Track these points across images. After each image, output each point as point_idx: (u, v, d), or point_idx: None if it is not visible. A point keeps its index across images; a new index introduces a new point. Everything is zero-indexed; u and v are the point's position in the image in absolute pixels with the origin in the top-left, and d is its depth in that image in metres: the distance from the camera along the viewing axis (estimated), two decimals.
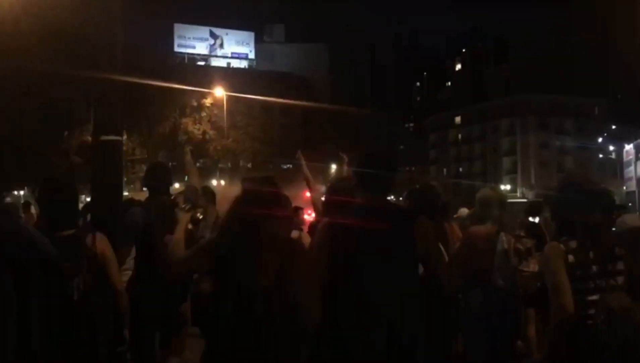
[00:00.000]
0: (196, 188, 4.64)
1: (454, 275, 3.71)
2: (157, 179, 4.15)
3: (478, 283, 4.09)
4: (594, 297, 2.79)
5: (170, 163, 25.25)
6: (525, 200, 40.04)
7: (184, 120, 37.52)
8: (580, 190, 3.08)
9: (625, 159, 41.63)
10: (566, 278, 2.78)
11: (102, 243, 3.18)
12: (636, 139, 38.33)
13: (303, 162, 4.09)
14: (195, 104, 37.80)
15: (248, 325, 2.62)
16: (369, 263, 2.84)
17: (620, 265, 2.91)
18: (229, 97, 34.53)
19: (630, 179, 38.98)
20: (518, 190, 55.43)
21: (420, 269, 3.11)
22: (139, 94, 24.22)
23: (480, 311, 4.06)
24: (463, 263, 4.06)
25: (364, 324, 2.80)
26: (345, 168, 4.81)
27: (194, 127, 37.34)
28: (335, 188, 3.83)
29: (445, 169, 70.08)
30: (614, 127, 47.21)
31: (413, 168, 59.33)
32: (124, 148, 4.98)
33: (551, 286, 2.84)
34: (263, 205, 2.78)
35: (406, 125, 78.00)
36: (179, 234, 2.98)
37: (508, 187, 52.50)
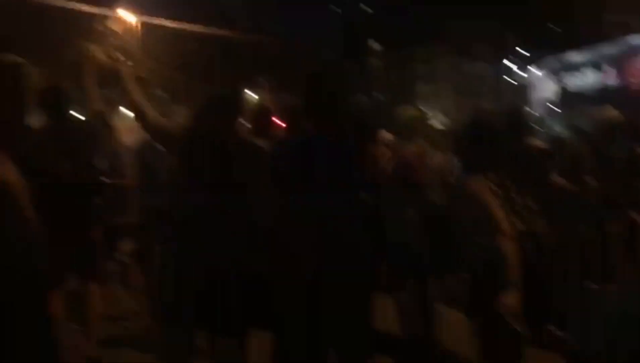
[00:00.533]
0: (101, 111, 4.39)
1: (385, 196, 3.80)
2: (51, 103, 3.86)
3: (413, 199, 4.15)
4: (522, 228, 3.00)
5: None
6: (442, 128, 41.05)
7: (90, 47, 35.30)
8: (487, 127, 3.16)
9: (532, 83, 43.37)
10: (499, 208, 2.90)
11: (4, 169, 3.01)
12: (541, 61, 39.81)
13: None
14: (102, 29, 35.56)
15: (212, 219, 2.67)
16: (315, 189, 2.84)
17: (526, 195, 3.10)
18: (141, 23, 32.64)
19: (537, 103, 40.80)
20: (435, 117, 56.78)
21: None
22: (37, 16, 22.44)
23: (412, 227, 4.14)
24: (395, 180, 4.14)
25: (301, 249, 2.84)
26: (266, 94, 4.71)
27: (101, 54, 35.25)
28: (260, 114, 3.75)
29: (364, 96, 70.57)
30: (520, 49, 48.76)
31: None
32: None
33: (486, 219, 2.95)
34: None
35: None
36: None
37: None
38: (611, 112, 4.52)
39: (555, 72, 37.13)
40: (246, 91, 21.07)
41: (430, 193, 4.23)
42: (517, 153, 3.42)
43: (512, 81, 52.40)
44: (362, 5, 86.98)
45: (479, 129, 3.27)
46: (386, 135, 7.75)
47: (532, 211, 3.09)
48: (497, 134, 3.23)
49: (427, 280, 4.42)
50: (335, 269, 2.96)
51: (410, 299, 4.38)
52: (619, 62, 30.44)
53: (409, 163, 4.22)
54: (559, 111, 34.76)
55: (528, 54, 45.09)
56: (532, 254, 2.93)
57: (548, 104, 33.09)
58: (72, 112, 5.29)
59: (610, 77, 31.41)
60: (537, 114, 41.75)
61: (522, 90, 48.71)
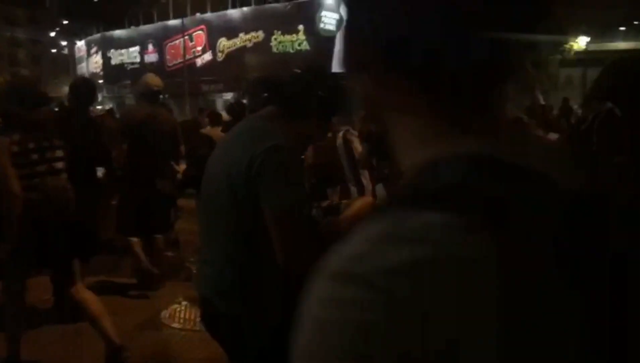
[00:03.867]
0: None
1: None
2: None
3: None
4: (36, 181, 3.39)
5: None
6: None
7: None
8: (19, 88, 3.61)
9: (77, 55, 42.69)
10: (12, 168, 3.29)
11: None
12: (87, 35, 39.64)
13: None
14: None
15: None
16: None
17: (60, 153, 3.54)
18: None
19: (83, 74, 40.46)
20: None
21: None
22: None
23: None
24: None
25: None
26: None
27: None
28: None
29: None
30: (65, 22, 47.35)
31: None
32: None
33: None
34: None
35: None
36: None
37: None
38: (152, 78, 5.10)
39: (100, 47, 37.50)
40: None
41: None
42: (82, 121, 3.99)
43: (58, 51, 50.44)
44: None
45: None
46: None
47: (49, 169, 3.49)
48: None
49: None
50: None
51: None
52: (159, 41, 32.87)
53: None
54: (104, 82, 35.44)
55: (71, 25, 44.02)
56: (38, 204, 3.38)
57: (93, 76, 33.24)
58: None
59: (151, 55, 33.65)
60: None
61: (67, 61, 47.47)
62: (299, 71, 2.12)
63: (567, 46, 17.74)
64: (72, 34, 44.12)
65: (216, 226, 2.02)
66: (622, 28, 20.67)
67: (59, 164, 3.54)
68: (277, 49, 27.25)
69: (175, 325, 4.34)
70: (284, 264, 1.90)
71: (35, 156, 3.44)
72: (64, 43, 48.56)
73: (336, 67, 24.48)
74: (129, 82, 33.61)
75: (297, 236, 1.89)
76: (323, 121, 2.13)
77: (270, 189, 1.85)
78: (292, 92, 2.07)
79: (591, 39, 19.98)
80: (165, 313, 4.51)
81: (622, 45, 20.98)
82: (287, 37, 27.20)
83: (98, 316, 3.53)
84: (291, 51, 26.94)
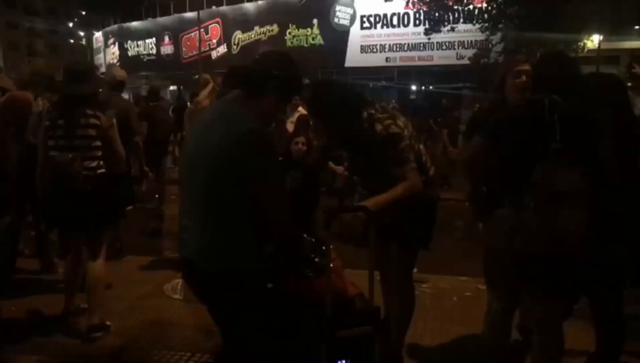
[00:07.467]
0: None
1: None
2: None
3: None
4: (54, 153, 3.61)
5: None
6: None
7: None
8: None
9: (94, 45, 43.11)
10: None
11: None
12: (104, 26, 40.04)
13: None
14: None
15: None
16: None
17: (92, 132, 3.65)
18: None
19: (100, 65, 40.91)
20: None
21: None
22: None
23: None
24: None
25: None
26: None
27: None
28: None
29: None
30: (84, 13, 47.83)
31: None
32: None
33: None
34: None
35: None
36: None
37: None
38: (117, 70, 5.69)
39: (118, 38, 37.87)
40: None
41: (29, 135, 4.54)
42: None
43: (76, 42, 50.87)
44: None
45: None
46: None
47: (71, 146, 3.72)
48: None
49: None
50: None
51: None
52: (175, 34, 33.20)
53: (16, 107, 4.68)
54: None
55: (89, 16, 44.40)
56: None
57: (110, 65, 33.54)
58: None
59: (167, 47, 34.01)
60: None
61: (85, 51, 47.89)
62: (257, 57, 2.39)
63: (580, 44, 17.63)
64: (90, 25, 44.51)
65: (197, 197, 2.23)
66: (637, 27, 20.51)
67: (81, 142, 3.65)
68: (292, 42, 27.40)
69: (177, 296, 4.57)
70: (274, 228, 2.19)
71: (60, 132, 3.62)
72: (81, 34, 49.01)
73: (350, 62, 24.18)
74: (145, 73, 34.16)
75: (281, 204, 2.20)
76: (283, 99, 2.36)
77: (256, 166, 2.12)
78: (251, 73, 2.31)
79: (604, 37, 19.85)
80: (167, 286, 4.75)
81: (635, 43, 20.86)
82: (302, 31, 27.34)
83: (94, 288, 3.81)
84: (305, 45, 27.07)
